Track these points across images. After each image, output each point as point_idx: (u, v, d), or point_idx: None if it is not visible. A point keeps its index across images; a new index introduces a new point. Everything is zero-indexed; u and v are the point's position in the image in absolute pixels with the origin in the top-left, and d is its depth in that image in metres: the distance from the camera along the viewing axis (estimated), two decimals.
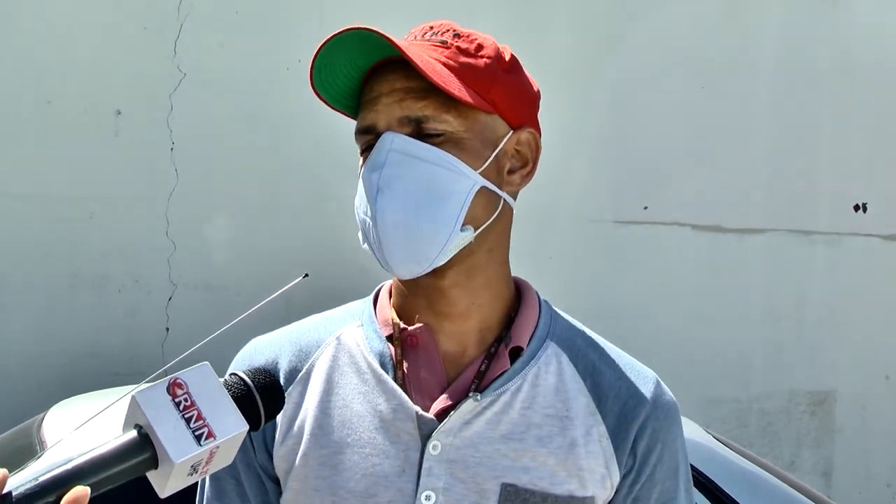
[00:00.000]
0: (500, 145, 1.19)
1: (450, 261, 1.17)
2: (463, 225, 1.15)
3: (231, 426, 0.94)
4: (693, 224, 5.28)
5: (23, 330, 4.19)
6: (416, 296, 1.22)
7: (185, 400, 0.93)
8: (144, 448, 0.91)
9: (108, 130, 4.31)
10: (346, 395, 1.20)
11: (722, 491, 2.73)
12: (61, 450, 2.39)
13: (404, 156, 1.14)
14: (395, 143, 1.14)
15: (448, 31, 1.20)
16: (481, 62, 1.18)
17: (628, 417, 1.20)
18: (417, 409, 1.17)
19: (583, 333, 1.27)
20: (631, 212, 5.17)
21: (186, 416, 0.92)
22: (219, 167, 4.44)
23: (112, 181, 4.31)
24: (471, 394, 1.17)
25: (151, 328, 4.33)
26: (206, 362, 0.97)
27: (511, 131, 1.20)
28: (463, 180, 1.15)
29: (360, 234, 1.20)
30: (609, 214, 5.14)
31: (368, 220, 1.16)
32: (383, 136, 1.15)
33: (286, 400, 1.20)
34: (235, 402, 0.97)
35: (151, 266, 4.35)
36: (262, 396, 0.99)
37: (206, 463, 0.94)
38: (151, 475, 0.93)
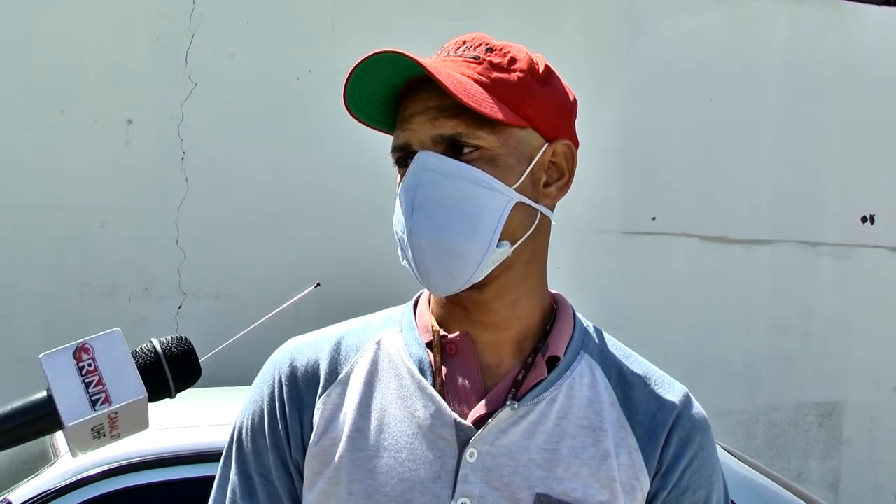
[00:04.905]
0: (535, 159, 1.19)
1: (488, 275, 1.18)
2: (500, 241, 1.16)
3: (129, 393, 0.96)
4: (701, 235, 5.28)
5: (33, 337, 4.20)
6: (455, 305, 1.22)
7: (89, 365, 0.96)
8: (46, 408, 0.94)
9: (120, 139, 4.34)
10: (384, 400, 1.20)
11: (731, 502, 2.73)
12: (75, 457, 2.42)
13: (438, 175, 1.15)
14: (428, 163, 1.15)
15: (481, 45, 1.20)
16: (514, 76, 1.18)
17: (657, 430, 1.21)
18: (455, 416, 1.17)
19: (616, 347, 1.28)
20: (639, 222, 5.18)
21: (87, 380, 0.95)
22: (229, 176, 4.45)
23: (123, 190, 4.33)
24: (508, 402, 1.17)
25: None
26: (118, 329, 0.99)
27: (546, 144, 1.21)
28: (498, 197, 1.16)
29: (399, 251, 1.20)
30: (617, 225, 5.15)
31: (405, 237, 1.17)
32: (417, 155, 1.16)
33: (326, 401, 1.21)
34: (144, 370, 0.99)
35: (162, 275, 4.36)
36: (170, 366, 1.01)
37: (112, 428, 0.96)
38: (64, 436, 0.95)
